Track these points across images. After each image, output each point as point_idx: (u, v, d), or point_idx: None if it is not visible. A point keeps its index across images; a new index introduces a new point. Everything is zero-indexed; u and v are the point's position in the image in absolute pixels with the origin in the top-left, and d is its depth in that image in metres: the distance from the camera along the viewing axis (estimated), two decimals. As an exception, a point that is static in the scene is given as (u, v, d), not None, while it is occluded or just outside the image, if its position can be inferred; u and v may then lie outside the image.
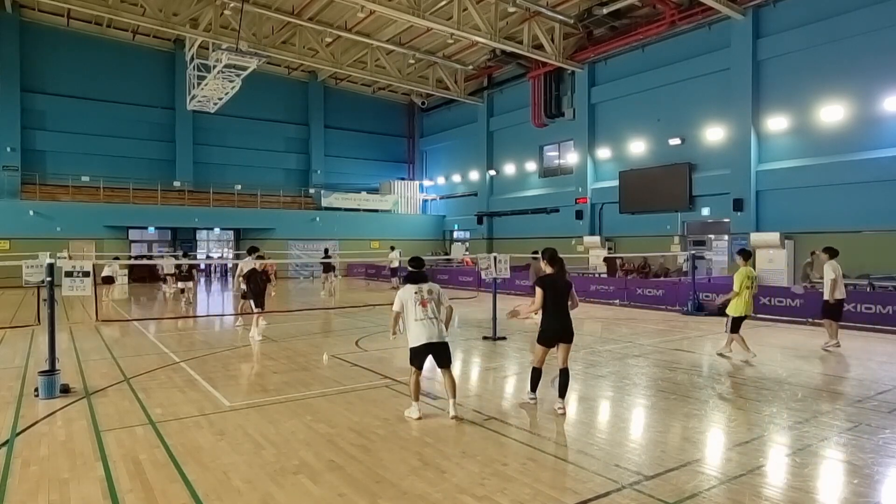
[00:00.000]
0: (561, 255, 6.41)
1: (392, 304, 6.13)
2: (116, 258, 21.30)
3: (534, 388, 6.42)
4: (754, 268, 9.82)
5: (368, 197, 34.31)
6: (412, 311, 5.89)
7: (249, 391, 7.12)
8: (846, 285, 10.37)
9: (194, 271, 18.80)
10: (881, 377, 7.75)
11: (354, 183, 35.09)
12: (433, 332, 5.84)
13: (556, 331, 6.09)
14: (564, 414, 6.04)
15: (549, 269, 6.26)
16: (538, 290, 6.13)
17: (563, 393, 6.16)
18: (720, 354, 9.16)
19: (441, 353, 5.95)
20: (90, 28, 27.49)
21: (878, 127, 16.91)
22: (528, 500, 4.04)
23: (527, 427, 5.69)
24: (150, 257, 27.08)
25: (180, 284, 17.84)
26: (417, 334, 5.85)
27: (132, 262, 24.66)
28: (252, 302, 11.45)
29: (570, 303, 6.18)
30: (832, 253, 9.84)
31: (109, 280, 18.93)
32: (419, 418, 5.86)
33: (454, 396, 5.97)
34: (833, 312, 9.75)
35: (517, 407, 6.43)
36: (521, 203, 29.35)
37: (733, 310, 8.96)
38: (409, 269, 6.29)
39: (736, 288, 8.94)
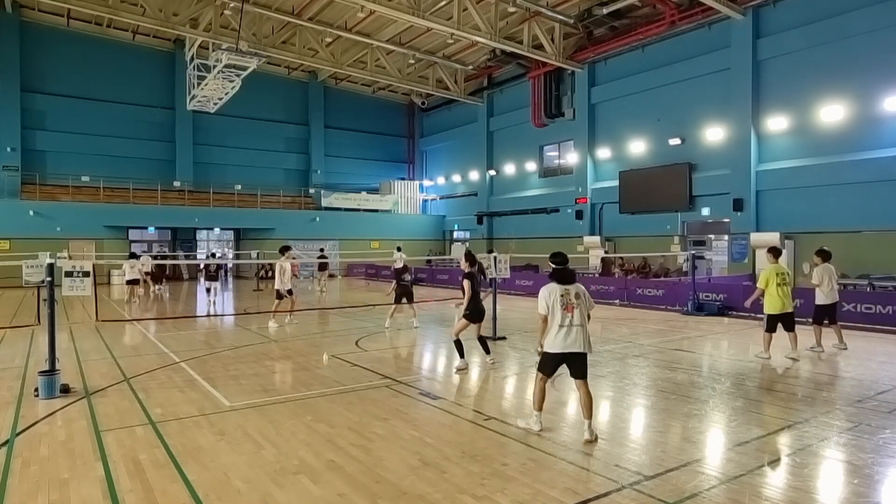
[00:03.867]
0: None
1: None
2: (134, 255, 19.54)
3: (462, 354, 8.18)
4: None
5: (368, 197, 34.30)
6: (556, 316, 5.29)
7: (249, 391, 7.12)
8: (845, 286, 10.21)
9: (220, 271, 18.91)
10: (881, 377, 7.75)
11: (354, 183, 35.08)
12: (576, 342, 5.27)
13: (478, 311, 8.19)
14: (494, 363, 8.43)
15: (468, 268, 8.30)
16: (466, 282, 8.15)
17: (487, 350, 8.45)
18: (790, 358, 8.82)
19: (579, 363, 5.37)
20: (90, 28, 27.49)
21: (878, 127, 16.91)
22: (528, 500, 4.04)
23: (527, 427, 5.68)
24: (176, 256, 27.10)
25: (206, 284, 18.06)
26: (557, 341, 5.28)
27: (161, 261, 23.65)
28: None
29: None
30: (825, 256, 9.66)
31: (135, 282, 17.91)
32: (540, 431, 5.41)
33: (590, 417, 5.28)
34: (816, 316, 9.67)
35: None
36: (521, 203, 29.34)
37: (767, 306, 8.90)
38: (553, 265, 5.57)
39: (761, 284, 8.89)
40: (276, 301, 12.92)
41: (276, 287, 13.06)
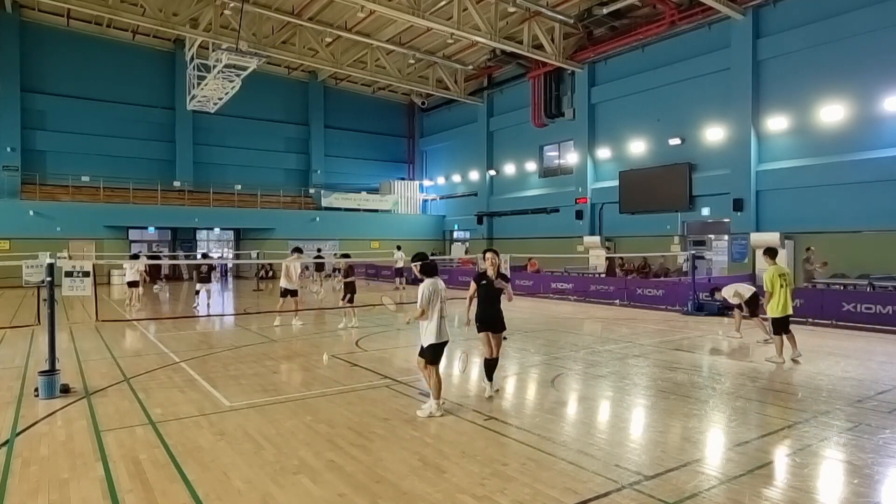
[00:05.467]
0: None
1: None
2: (135, 256, 18.10)
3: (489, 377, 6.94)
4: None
5: (368, 197, 34.32)
6: (437, 308, 5.91)
7: (249, 391, 7.12)
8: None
9: (213, 273, 18.47)
10: (881, 377, 7.75)
11: (354, 183, 35.10)
12: (446, 332, 6.04)
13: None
14: (492, 396, 6.78)
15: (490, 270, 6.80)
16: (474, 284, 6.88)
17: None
18: (769, 360, 8.72)
19: (443, 350, 6.10)
20: (90, 28, 27.49)
21: (878, 127, 16.90)
22: (528, 500, 4.04)
23: (527, 427, 5.68)
24: (175, 256, 27.05)
25: (198, 286, 16.88)
26: (440, 332, 5.93)
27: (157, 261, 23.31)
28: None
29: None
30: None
31: (135, 284, 16.24)
32: (443, 415, 5.95)
33: (439, 397, 6.09)
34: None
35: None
36: (521, 203, 29.34)
37: (771, 310, 8.72)
38: (421, 263, 6.17)
39: (768, 288, 8.70)
40: (281, 300, 12.99)
41: (280, 285, 13.10)
